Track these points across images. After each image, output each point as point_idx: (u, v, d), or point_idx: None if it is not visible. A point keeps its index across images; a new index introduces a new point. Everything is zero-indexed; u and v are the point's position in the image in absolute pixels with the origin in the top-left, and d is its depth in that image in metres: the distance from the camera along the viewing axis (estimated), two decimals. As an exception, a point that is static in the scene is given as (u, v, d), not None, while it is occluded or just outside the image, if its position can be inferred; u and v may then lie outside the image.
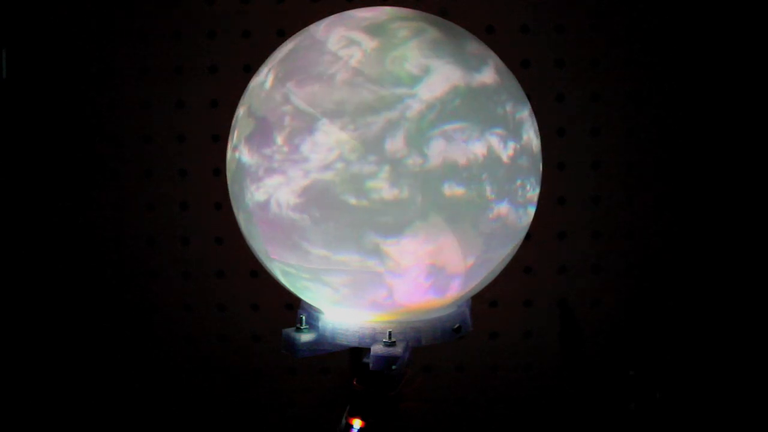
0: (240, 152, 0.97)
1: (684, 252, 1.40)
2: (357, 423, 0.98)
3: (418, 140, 0.91)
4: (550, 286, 1.41)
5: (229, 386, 1.45)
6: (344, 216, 0.92)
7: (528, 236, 1.03)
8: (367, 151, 0.91)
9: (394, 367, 0.94)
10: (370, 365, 0.95)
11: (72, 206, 1.41)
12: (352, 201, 0.91)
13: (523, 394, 1.44)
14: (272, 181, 0.94)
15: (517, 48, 1.36)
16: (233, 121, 1.00)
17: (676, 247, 1.40)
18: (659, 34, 1.36)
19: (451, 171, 0.92)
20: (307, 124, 0.92)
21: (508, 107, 0.96)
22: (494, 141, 0.94)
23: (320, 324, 0.99)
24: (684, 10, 1.36)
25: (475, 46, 0.98)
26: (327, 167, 0.91)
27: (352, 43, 0.94)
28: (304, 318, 1.01)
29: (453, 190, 0.92)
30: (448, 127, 0.92)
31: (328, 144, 0.91)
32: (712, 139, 1.38)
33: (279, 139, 0.93)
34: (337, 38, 0.95)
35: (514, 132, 0.96)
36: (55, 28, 1.37)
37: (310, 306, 1.01)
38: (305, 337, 1.00)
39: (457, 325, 1.00)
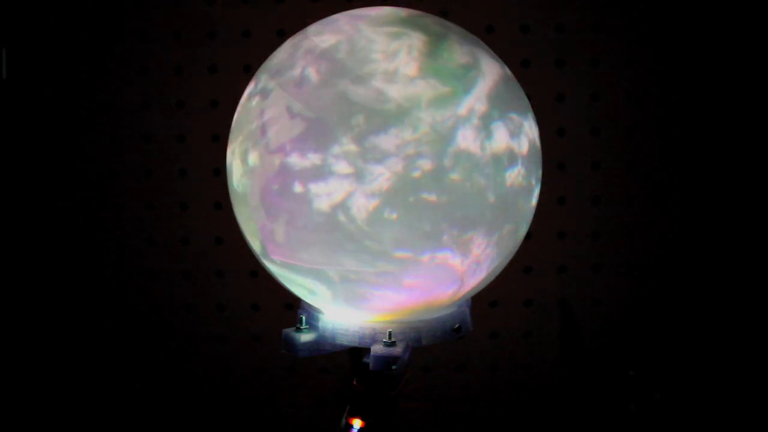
0: (283, 154, 0.92)
1: (684, 252, 1.40)
2: (357, 423, 0.98)
3: (484, 133, 0.93)
4: (550, 286, 1.41)
5: (229, 386, 1.45)
6: (426, 213, 0.92)
7: (528, 236, 1.03)
8: (444, 145, 0.91)
9: (394, 367, 0.94)
10: (370, 365, 0.95)
11: (72, 206, 1.41)
12: (432, 198, 0.92)
13: (523, 394, 1.44)
14: (342, 184, 0.91)
15: (517, 48, 1.36)
16: (254, 123, 0.96)
17: (676, 247, 1.40)
18: (659, 34, 1.36)
19: (510, 160, 0.95)
20: (380, 123, 0.91)
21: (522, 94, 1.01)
22: (529, 127, 0.99)
23: (320, 324, 0.99)
24: (684, 10, 1.36)
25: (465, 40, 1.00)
26: (407, 165, 0.91)
27: (398, 37, 0.94)
28: (304, 318, 1.01)
29: (513, 179, 0.95)
30: (506, 117, 0.96)
31: (404, 141, 0.91)
32: (712, 139, 1.38)
33: (346, 140, 0.91)
34: (379, 34, 0.95)
35: (531, 118, 1.01)
36: (55, 28, 1.37)
37: (310, 306, 1.01)
38: (305, 337, 1.00)
39: (457, 325, 1.00)
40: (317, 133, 0.91)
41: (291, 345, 1.00)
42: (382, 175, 0.90)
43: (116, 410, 1.45)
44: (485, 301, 1.40)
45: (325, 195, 0.91)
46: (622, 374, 1.41)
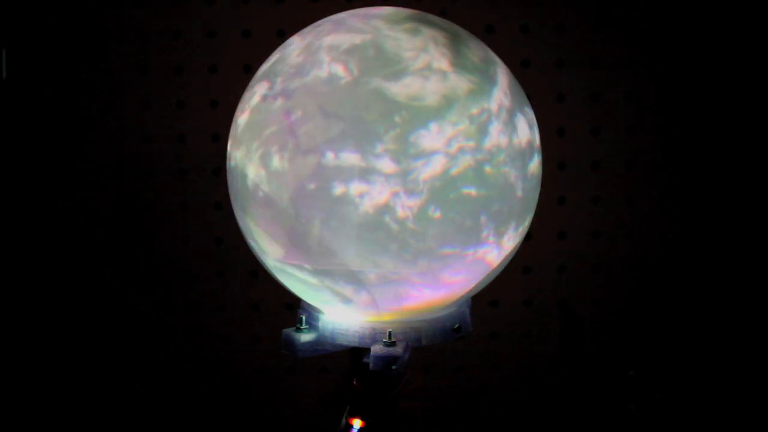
0: (319, 155, 0.91)
1: (684, 252, 1.40)
2: (357, 423, 0.98)
3: (510, 126, 0.95)
4: (550, 286, 1.41)
5: (229, 386, 1.45)
6: (468, 208, 0.92)
7: (528, 236, 1.03)
8: (480, 139, 0.92)
9: (394, 367, 0.94)
10: (370, 365, 0.95)
11: (72, 206, 1.41)
12: (473, 192, 0.92)
13: (523, 394, 1.44)
14: (385, 182, 0.90)
15: (517, 48, 1.36)
16: (277, 124, 0.93)
17: (676, 247, 1.40)
18: (659, 34, 1.36)
19: (531, 152, 0.98)
20: (420, 120, 0.91)
21: None
22: (534, 119, 1.01)
23: (320, 324, 0.99)
24: (684, 10, 1.36)
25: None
26: (448, 160, 0.91)
27: (416, 33, 0.95)
28: (304, 318, 1.01)
29: (533, 171, 0.99)
30: (523, 109, 0.98)
31: (445, 137, 0.91)
32: (713, 139, 1.38)
33: (387, 138, 0.90)
34: (397, 31, 0.94)
35: None
36: (55, 28, 1.37)
37: (310, 306, 1.01)
38: (305, 337, 1.00)
39: (457, 325, 1.00)
40: (356, 132, 0.90)
41: (291, 345, 1.00)
42: (424, 172, 0.90)
43: (116, 410, 1.45)
44: (485, 301, 1.40)
45: (367, 194, 0.90)
46: (622, 374, 1.41)
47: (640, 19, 1.36)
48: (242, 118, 0.97)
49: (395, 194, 0.90)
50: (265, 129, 0.94)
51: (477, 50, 0.97)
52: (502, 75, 0.97)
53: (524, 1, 1.36)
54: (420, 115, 0.90)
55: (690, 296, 1.41)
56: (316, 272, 0.94)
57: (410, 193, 0.90)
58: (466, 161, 0.91)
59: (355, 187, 0.90)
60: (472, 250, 0.94)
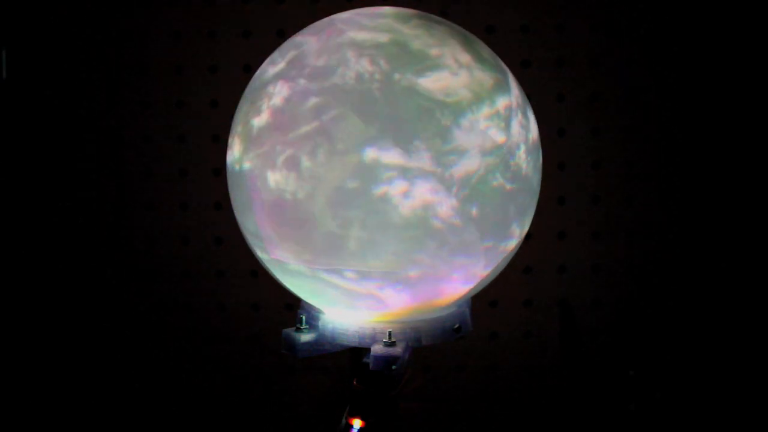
0: (358, 155, 0.89)
1: (684, 252, 1.40)
2: (357, 423, 0.98)
3: (525, 120, 0.97)
4: (550, 286, 1.41)
5: (229, 386, 1.45)
6: (502, 202, 0.94)
7: (528, 236, 1.03)
8: (508, 133, 0.93)
9: (394, 367, 0.94)
10: (370, 365, 0.95)
11: (72, 206, 1.41)
12: (508, 186, 0.94)
13: (523, 394, 1.44)
14: (426, 178, 0.90)
15: (517, 48, 1.36)
16: (308, 125, 0.91)
17: (676, 247, 1.40)
18: (659, 33, 1.36)
19: (538, 146, 1.00)
20: (455, 116, 0.91)
21: None
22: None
23: (320, 324, 0.99)
24: (684, 10, 1.36)
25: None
26: (485, 155, 0.92)
27: (431, 29, 0.95)
28: (304, 318, 1.01)
29: (540, 164, 1.01)
30: (527, 104, 1.00)
31: (480, 132, 0.92)
32: (713, 139, 1.38)
33: (426, 134, 0.90)
34: (413, 28, 0.94)
35: None
36: (55, 28, 1.37)
37: (310, 306, 1.01)
38: (305, 337, 1.00)
39: (457, 325, 1.00)
40: (395, 130, 0.89)
41: (291, 345, 1.00)
42: (462, 167, 0.90)
43: (116, 410, 1.45)
44: (485, 301, 1.40)
45: (408, 192, 0.90)
46: (622, 374, 1.41)
47: (640, 19, 1.36)
48: (259, 119, 0.94)
49: (435, 191, 0.90)
50: (293, 131, 0.91)
51: (484, 46, 0.98)
52: (508, 70, 0.99)
53: (524, 1, 1.36)
54: (455, 111, 0.91)
55: (690, 296, 1.41)
56: (352, 275, 0.93)
57: (449, 189, 0.90)
58: (499, 155, 0.92)
59: (397, 186, 0.89)
60: (504, 243, 0.96)
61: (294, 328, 1.00)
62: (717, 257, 1.40)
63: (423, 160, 0.89)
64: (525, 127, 0.96)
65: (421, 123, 0.89)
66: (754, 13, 1.35)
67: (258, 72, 1.00)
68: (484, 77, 0.94)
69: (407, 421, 1.03)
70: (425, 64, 0.91)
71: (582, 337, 1.42)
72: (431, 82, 0.91)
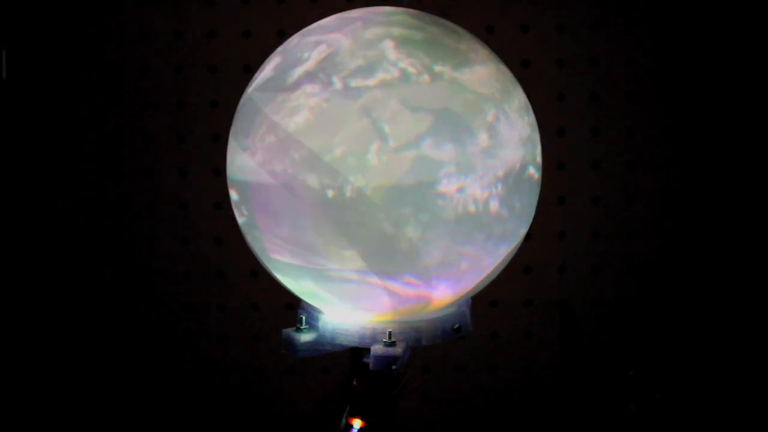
0: (414, 151, 0.88)
1: (684, 252, 1.40)
2: (357, 423, 0.98)
3: (531, 113, 0.99)
4: (550, 286, 1.41)
5: (229, 386, 1.45)
6: (529, 191, 0.96)
7: (528, 236, 1.03)
8: (527, 125, 0.96)
9: (394, 367, 0.94)
10: (370, 365, 0.95)
11: (72, 206, 1.41)
12: (535, 176, 0.97)
13: (523, 395, 1.44)
14: (480, 171, 0.90)
15: (517, 48, 1.36)
16: (356, 123, 0.88)
17: (676, 247, 1.40)
18: (659, 34, 1.36)
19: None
20: (497, 109, 0.92)
21: None
22: None
23: (320, 324, 0.99)
24: (684, 10, 1.36)
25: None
26: (523, 145, 0.94)
27: (442, 26, 0.96)
28: (304, 318, 1.01)
29: None
30: None
31: (517, 123, 0.94)
32: (712, 139, 1.38)
33: (477, 129, 0.90)
34: (429, 24, 0.96)
35: None
36: (55, 28, 1.37)
37: (310, 306, 1.01)
38: (305, 337, 1.00)
39: (457, 325, 1.00)
40: (449, 125, 0.89)
41: (291, 345, 1.00)
42: (507, 159, 0.92)
43: (116, 410, 1.44)
44: (485, 301, 1.40)
45: (463, 187, 0.90)
46: (622, 374, 1.41)
47: (640, 19, 1.36)
48: (295, 121, 0.90)
49: (487, 184, 0.91)
50: (339, 130, 0.89)
51: (483, 43, 1.00)
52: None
53: (524, 1, 1.36)
54: (495, 103, 0.92)
55: (690, 296, 1.40)
56: (409, 279, 0.93)
57: (497, 180, 0.91)
58: (531, 145, 0.95)
59: (452, 181, 0.89)
60: (525, 230, 0.99)
61: (294, 328, 1.00)
62: (717, 257, 1.39)
63: (476, 153, 0.90)
64: (531, 120, 0.98)
65: (471, 116, 0.90)
66: (754, 13, 1.35)
67: (272, 74, 0.95)
68: (505, 71, 0.96)
69: (407, 421, 1.03)
70: (459, 58, 0.92)
71: (582, 337, 1.42)
72: (469, 76, 0.92)
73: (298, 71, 0.92)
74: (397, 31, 0.93)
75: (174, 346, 1.44)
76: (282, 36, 1.32)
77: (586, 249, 1.40)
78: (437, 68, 0.90)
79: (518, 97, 0.96)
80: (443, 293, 0.95)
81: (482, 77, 0.92)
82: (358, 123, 0.88)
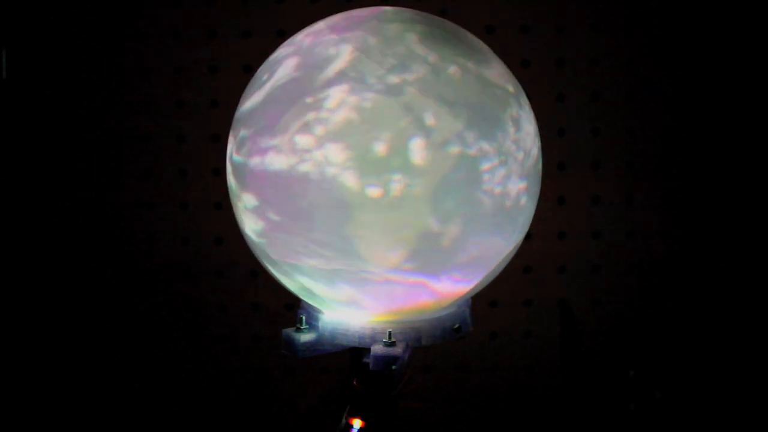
0: (459, 146, 0.88)
1: (684, 252, 1.40)
2: (357, 423, 0.98)
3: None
4: (550, 286, 1.41)
5: (229, 386, 1.45)
6: (539, 182, 0.99)
7: (528, 236, 1.03)
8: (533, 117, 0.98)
9: (394, 367, 0.94)
10: (370, 365, 0.95)
11: (72, 206, 1.41)
12: (539, 166, 0.98)
13: (523, 394, 1.44)
14: (511, 166, 0.92)
15: (517, 48, 1.36)
16: (401, 120, 0.88)
17: (676, 247, 1.40)
18: (659, 34, 1.36)
19: None
20: (517, 103, 0.95)
21: None
22: None
23: (320, 324, 0.99)
24: (684, 10, 1.36)
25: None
26: (535, 140, 0.96)
27: (448, 24, 0.98)
28: (304, 318, 1.01)
29: None
30: None
31: (532, 117, 0.96)
32: (712, 139, 1.38)
33: (507, 123, 0.92)
34: (443, 23, 0.97)
35: None
36: (55, 28, 1.37)
37: (310, 306, 1.01)
38: (305, 337, 1.00)
39: (457, 325, 1.00)
40: (483, 119, 0.90)
41: (291, 345, 1.00)
42: (530, 150, 0.94)
43: (116, 410, 1.44)
44: (485, 301, 1.40)
45: (502, 178, 0.91)
46: (622, 374, 1.41)
47: (640, 19, 1.36)
48: (333, 120, 0.88)
49: (518, 176, 0.93)
50: (381, 129, 0.87)
51: None
52: None
53: (524, 1, 1.36)
54: (515, 98, 0.94)
55: (690, 296, 1.40)
56: (454, 275, 0.94)
57: (525, 173, 0.94)
58: (538, 138, 0.98)
59: (493, 174, 0.91)
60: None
61: (294, 328, 1.00)
62: (717, 257, 1.40)
63: (509, 147, 0.91)
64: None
65: (501, 110, 0.92)
66: (754, 13, 1.35)
67: (297, 73, 0.92)
68: (505, 67, 0.97)
69: (407, 421, 1.03)
70: (477, 54, 0.94)
71: (582, 337, 1.42)
72: (490, 71, 0.93)
73: (329, 70, 0.90)
74: (418, 27, 0.93)
75: (174, 346, 1.44)
76: (282, 36, 1.32)
77: (586, 249, 1.40)
78: (464, 63, 0.91)
79: (525, 92, 0.98)
80: (469, 287, 0.97)
81: (499, 72, 0.95)
82: (400, 120, 0.88)
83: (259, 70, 0.98)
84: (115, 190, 1.41)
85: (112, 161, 1.40)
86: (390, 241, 0.89)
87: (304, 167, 0.89)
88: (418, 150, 0.87)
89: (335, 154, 0.88)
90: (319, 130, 0.88)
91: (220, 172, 1.37)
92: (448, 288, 0.95)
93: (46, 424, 1.44)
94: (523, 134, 0.93)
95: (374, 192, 0.88)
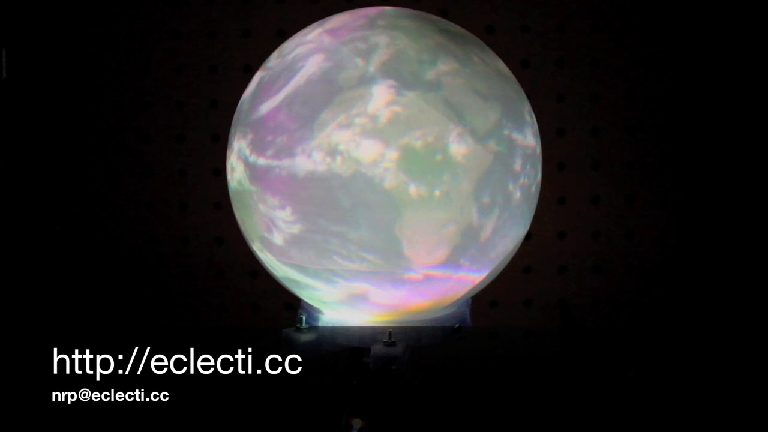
0: (495, 140, 0.89)
1: (684, 252, 1.40)
2: (357, 423, 0.98)
3: None
4: (550, 286, 1.41)
5: (229, 386, 1.44)
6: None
7: (528, 236, 1.03)
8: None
9: (394, 367, 0.94)
10: (370, 365, 0.95)
11: (72, 206, 1.41)
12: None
13: (523, 395, 1.44)
14: (533, 162, 0.94)
15: (517, 48, 1.36)
16: (435, 112, 0.87)
17: (676, 247, 1.40)
18: (659, 34, 1.36)
19: None
20: (527, 100, 0.97)
21: None
22: None
23: (320, 324, 0.99)
24: (683, 10, 1.36)
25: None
26: (537, 131, 0.98)
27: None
28: (304, 318, 1.01)
29: None
30: None
31: (533, 113, 0.98)
32: (712, 139, 1.38)
33: (527, 115, 0.94)
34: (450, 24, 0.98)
35: None
36: (55, 28, 1.37)
37: (310, 306, 1.01)
38: (305, 337, 1.00)
39: (457, 325, 1.00)
40: (512, 112, 0.91)
41: (291, 345, 1.00)
42: (536, 142, 0.96)
43: (116, 410, 1.44)
44: (485, 301, 1.40)
45: (530, 173, 0.93)
46: (622, 374, 1.41)
47: (640, 19, 1.36)
48: (373, 119, 0.87)
49: (538, 168, 0.95)
50: (422, 126, 0.86)
51: None
52: None
53: (524, 1, 1.36)
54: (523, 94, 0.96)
55: (690, 296, 1.40)
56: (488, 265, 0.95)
57: (537, 165, 0.96)
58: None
59: (525, 167, 0.92)
60: None
61: (294, 328, 1.00)
62: (717, 257, 1.39)
63: (532, 139, 0.94)
64: None
65: (522, 104, 0.94)
66: (754, 13, 1.35)
67: (324, 73, 0.90)
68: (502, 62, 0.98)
69: (407, 421, 1.03)
70: (488, 51, 0.95)
71: (582, 337, 1.42)
72: (504, 66, 0.95)
73: (360, 68, 0.88)
74: (441, 25, 0.95)
75: (174, 346, 1.44)
76: (282, 36, 1.32)
77: (586, 249, 1.40)
78: (485, 58, 0.93)
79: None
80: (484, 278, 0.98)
81: (506, 68, 0.96)
82: (441, 115, 0.87)
83: (269, 71, 0.95)
84: (115, 190, 1.41)
85: (112, 161, 1.40)
86: (435, 239, 0.89)
87: (342, 168, 0.87)
88: (458, 145, 0.87)
89: (373, 154, 0.86)
90: (359, 129, 0.87)
91: (220, 172, 1.37)
92: (480, 279, 0.96)
93: (46, 424, 1.44)
94: (535, 128, 0.96)
95: (418, 190, 0.87)
